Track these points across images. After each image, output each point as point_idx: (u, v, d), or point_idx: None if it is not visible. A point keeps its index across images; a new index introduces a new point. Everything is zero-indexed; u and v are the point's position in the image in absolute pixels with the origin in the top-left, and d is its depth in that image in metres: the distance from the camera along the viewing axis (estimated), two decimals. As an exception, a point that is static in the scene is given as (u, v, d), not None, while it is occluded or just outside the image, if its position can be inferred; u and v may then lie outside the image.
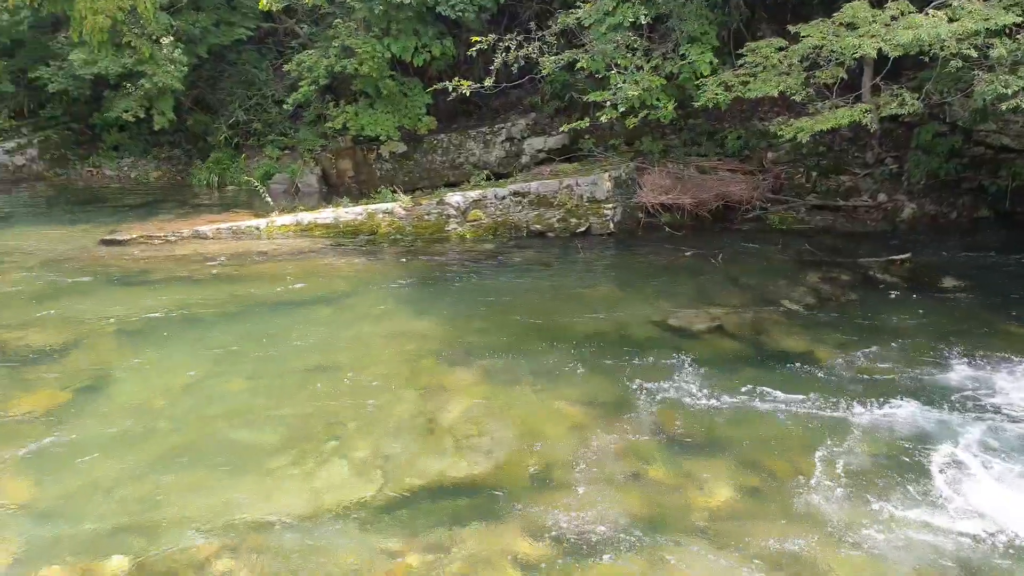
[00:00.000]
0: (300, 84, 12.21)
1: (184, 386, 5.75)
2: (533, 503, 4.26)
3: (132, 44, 12.09)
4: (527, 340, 6.50)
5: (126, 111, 12.56)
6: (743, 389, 5.55)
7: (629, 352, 6.22)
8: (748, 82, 8.47)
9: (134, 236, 9.38)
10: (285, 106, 13.06)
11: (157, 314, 7.10)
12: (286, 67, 12.77)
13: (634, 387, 5.59)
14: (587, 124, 9.76)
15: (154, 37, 12.18)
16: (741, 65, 8.77)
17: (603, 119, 9.69)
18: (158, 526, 4.01)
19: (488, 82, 9.62)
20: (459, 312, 7.24)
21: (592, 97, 9.76)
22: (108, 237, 9.41)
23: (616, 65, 9.48)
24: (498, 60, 9.61)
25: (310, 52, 12.31)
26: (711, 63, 9.40)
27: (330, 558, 3.80)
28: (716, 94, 8.61)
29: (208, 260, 8.77)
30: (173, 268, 8.48)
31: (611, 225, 9.92)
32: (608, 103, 9.37)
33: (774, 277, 8.18)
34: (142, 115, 12.64)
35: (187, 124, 13.87)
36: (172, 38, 12.23)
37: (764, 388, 5.54)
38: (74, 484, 4.43)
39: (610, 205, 10.00)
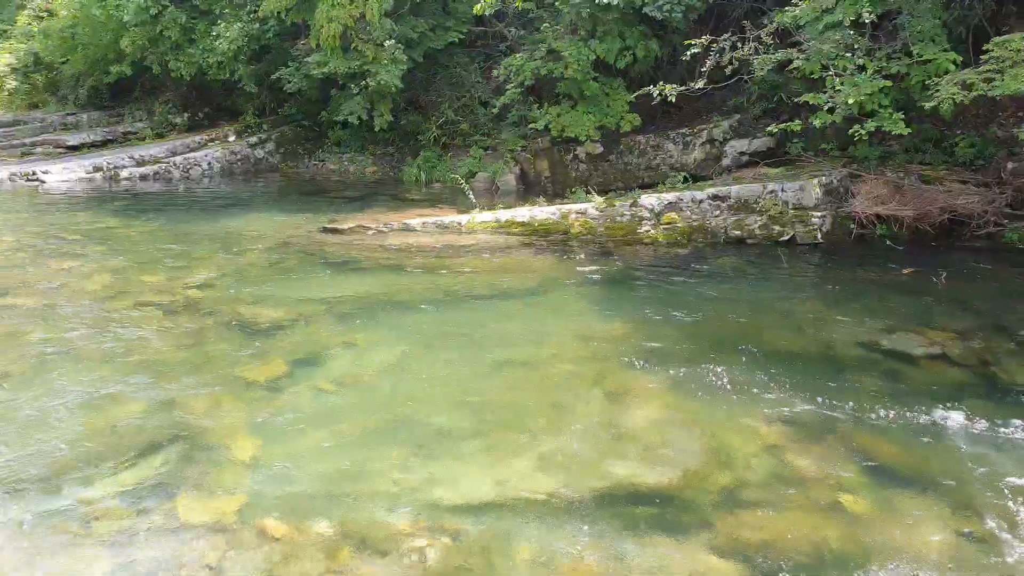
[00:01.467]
0: (506, 87, 12.64)
1: (387, 366, 6.16)
2: (721, 521, 4.11)
3: (358, 48, 13.14)
4: (719, 351, 6.27)
5: (351, 114, 13.73)
6: (967, 424, 4.99)
7: (833, 373, 5.81)
8: (992, 79, 7.56)
9: (351, 225, 10.20)
10: (492, 108, 13.59)
11: (367, 298, 7.67)
12: (494, 71, 13.27)
13: (838, 411, 5.22)
14: (800, 127, 9.20)
15: (378, 41, 13.15)
16: (985, 62, 7.85)
17: (817, 123, 9.08)
18: (359, 496, 4.33)
19: (698, 85, 9.39)
20: (648, 317, 7.15)
21: (806, 99, 9.18)
22: (328, 225, 10.31)
23: (833, 66, 8.87)
24: (710, 63, 9.34)
25: (517, 55, 12.71)
26: (954, 61, 8.49)
27: (513, 549, 3.89)
28: (952, 95, 7.77)
29: (414, 251, 9.35)
30: (383, 257, 9.13)
31: (818, 235, 9.33)
32: (824, 107, 8.78)
33: (1011, 302, 7.29)
34: (364, 117, 13.75)
35: (401, 124, 14.85)
36: (393, 41, 13.15)
37: (993, 425, 4.95)
38: (290, 448, 4.89)
39: (818, 213, 9.40)
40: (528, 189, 13.24)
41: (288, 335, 6.73)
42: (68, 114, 17.94)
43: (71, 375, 5.84)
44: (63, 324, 6.87)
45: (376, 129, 14.10)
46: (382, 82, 13.12)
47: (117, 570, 3.73)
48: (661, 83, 9.76)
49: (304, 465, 4.67)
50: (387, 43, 13.07)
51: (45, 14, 18.76)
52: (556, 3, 11.95)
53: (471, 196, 11.58)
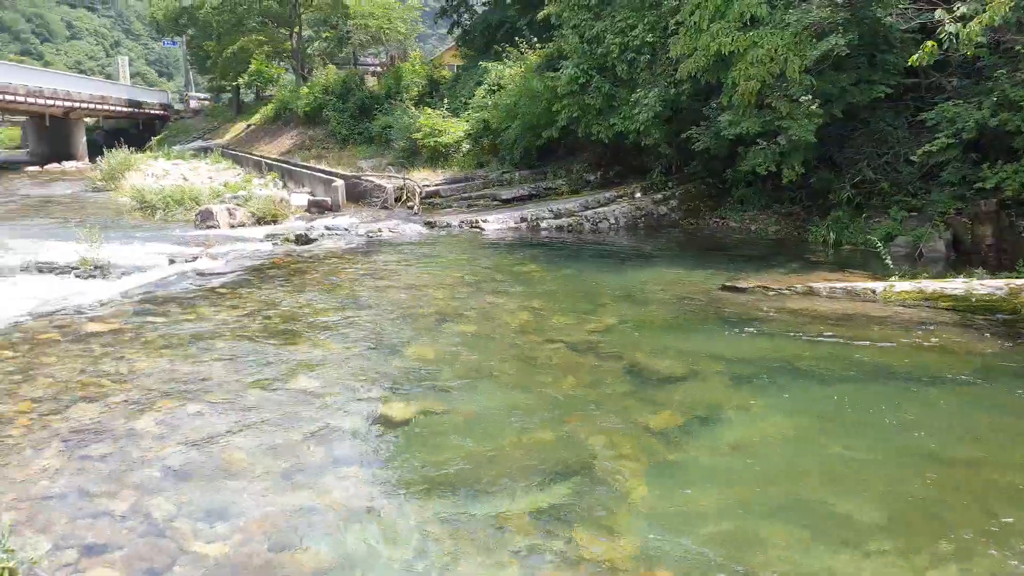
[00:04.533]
0: (936, 136, 11.27)
1: (783, 437, 5.81)
2: None
3: (772, 105, 12.93)
4: None
5: (759, 165, 13.53)
6: None
7: None
8: None
9: (751, 285, 9.97)
10: (914, 159, 12.24)
11: (764, 361, 7.37)
12: (923, 115, 11.94)
13: None
14: None
15: (794, 97, 12.79)
16: None
17: None
18: (752, 570, 4.10)
19: None
20: None
21: None
22: (728, 284, 10.21)
23: None
24: None
25: (956, 102, 11.28)
26: None
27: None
28: None
29: (817, 317, 8.75)
30: (783, 320, 8.71)
31: None
32: None
33: None
34: (773, 169, 13.43)
35: (810, 182, 14.18)
36: (810, 96, 12.67)
37: None
38: (682, 502, 4.87)
39: None
40: (962, 258, 11.54)
41: (682, 388, 6.77)
42: (504, 172, 20.79)
43: (492, 395, 6.65)
44: (489, 351, 7.87)
45: (784, 181, 13.64)
46: (794, 137, 12.69)
47: (524, 582, 4.06)
48: None
49: (694, 523, 4.60)
50: (803, 98, 12.65)
51: (496, 88, 22.13)
52: (1017, 47, 10.36)
53: (888, 262, 10.50)
